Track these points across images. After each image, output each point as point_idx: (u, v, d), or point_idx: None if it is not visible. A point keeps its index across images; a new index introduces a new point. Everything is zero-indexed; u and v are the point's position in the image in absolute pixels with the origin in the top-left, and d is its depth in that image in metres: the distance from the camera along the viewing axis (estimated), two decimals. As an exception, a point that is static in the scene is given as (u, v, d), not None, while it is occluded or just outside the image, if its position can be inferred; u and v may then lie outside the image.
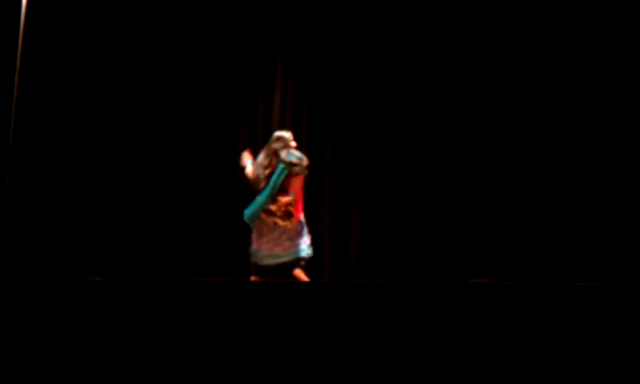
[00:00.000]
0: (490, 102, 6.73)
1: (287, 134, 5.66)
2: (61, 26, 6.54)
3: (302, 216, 5.55)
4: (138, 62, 6.70)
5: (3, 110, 5.69)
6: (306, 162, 5.60)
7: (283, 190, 5.49)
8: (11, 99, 5.62)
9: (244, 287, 4.18)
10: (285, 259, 5.45)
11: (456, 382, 3.29)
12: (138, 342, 3.35)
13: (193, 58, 6.81)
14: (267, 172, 5.53)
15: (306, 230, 5.55)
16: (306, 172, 5.61)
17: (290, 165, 5.51)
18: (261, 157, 5.64)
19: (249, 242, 5.61)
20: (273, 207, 5.46)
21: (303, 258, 5.48)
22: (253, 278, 5.52)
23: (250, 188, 5.60)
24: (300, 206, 5.55)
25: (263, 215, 5.48)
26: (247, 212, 5.53)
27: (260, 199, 5.48)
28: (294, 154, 5.57)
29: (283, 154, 5.52)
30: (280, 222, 5.47)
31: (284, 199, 5.47)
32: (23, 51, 5.26)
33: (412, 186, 6.70)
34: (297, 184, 5.55)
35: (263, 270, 5.49)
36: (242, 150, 5.91)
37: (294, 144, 5.63)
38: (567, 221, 6.34)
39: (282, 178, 5.48)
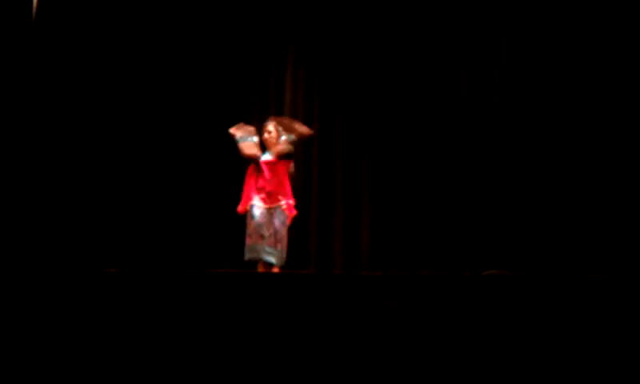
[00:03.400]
0: (502, 93, 6.69)
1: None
2: (74, 21, 6.56)
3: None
4: (149, 54, 6.70)
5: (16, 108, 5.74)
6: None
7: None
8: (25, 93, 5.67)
9: (255, 279, 4.20)
10: None
11: (469, 373, 3.29)
12: (153, 333, 3.38)
13: (205, 50, 6.80)
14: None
15: None
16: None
17: None
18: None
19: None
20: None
21: None
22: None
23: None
24: None
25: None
26: None
27: None
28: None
29: None
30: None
31: None
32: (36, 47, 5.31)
33: (424, 177, 6.68)
34: None
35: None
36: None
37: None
38: (581, 212, 6.30)
39: None
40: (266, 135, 5.71)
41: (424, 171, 6.69)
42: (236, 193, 5.79)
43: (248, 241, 5.49)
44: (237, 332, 3.39)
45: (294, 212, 5.62)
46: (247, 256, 5.47)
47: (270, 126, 5.73)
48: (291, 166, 5.71)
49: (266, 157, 5.62)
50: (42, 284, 3.55)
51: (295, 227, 5.82)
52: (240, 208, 5.60)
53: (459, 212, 6.55)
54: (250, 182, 5.63)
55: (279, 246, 5.43)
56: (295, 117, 6.75)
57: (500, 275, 4.69)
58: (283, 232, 5.49)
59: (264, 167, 5.58)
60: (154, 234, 6.42)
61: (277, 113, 6.69)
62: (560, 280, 3.69)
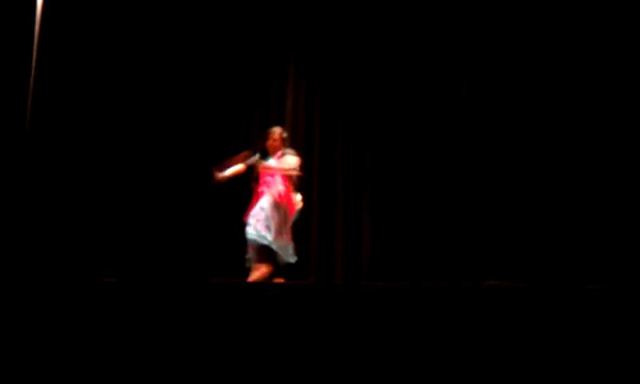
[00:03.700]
0: (503, 100, 6.69)
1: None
2: (76, 25, 6.57)
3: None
4: (150, 63, 6.71)
5: (18, 110, 5.74)
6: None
7: None
8: (26, 99, 5.68)
9: (256, 289, 4.19)
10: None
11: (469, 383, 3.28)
12: (153, 343, 3.37)
13: (206, 59, 6.83)
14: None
15: None
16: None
17: None
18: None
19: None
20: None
21: None
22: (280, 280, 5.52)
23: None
24: None
25: None
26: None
27: None
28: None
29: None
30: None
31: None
32: (38, 56, 5.31)
33: (426, 185, 6.68)
34: None
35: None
36: (255, 149, 5.89)
37: None
38: (582, 221, 6.29)
39: None
40: (270, 141, 5.74)
41: (425, 179, 6.69)
42: (237, 202, 5.81)
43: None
44: (237, 342, 3.38)
45: (289, 201, 5.64)
46: (248, 265, 5.52)
47: (276, 133, 5.76)
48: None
49: (268, 162, 5.65)
50: (41, 294, 3.55)
51: (296, 233, 5.81)
52: (246, 218, 5.60)
53: (460, 221, 6.54)
54: (256, 194, 5.67)
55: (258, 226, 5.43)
56: (296, 125, 6.78)
57: (501, 286, 4.69)
58: (265, 208, 5.48)
59: (265, 173, 5.63)
60: (154, 243, 6.41)
61: (278, 120, 6.70)
62: (560, 290, 3.68)
